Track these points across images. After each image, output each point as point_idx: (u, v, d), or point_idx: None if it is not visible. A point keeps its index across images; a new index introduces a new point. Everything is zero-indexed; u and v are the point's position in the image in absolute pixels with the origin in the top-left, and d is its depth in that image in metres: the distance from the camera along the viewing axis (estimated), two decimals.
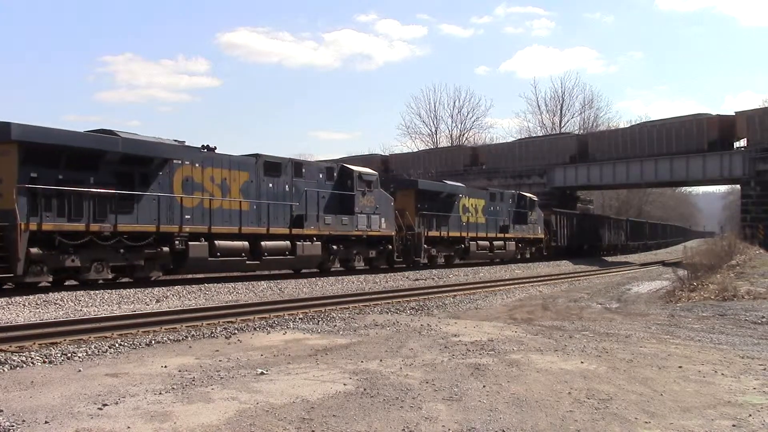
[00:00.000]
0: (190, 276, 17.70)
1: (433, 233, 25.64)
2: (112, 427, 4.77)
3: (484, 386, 6.15)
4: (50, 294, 13.07)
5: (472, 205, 28.83)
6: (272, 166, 18.71)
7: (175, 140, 16.69)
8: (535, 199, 35.03)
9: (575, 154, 47.38)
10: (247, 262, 17.53)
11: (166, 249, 15.55)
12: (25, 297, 12.56)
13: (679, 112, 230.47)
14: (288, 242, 18.72)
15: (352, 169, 21.55)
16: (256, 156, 18.42)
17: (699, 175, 41.41)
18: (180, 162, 16.16)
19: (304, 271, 21.38)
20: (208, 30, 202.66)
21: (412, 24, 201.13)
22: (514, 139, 63.99)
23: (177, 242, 15.73)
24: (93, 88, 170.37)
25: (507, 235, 31.26)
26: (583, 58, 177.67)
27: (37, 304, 12.10)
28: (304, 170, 19.76)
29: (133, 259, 15.07)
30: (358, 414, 5.20)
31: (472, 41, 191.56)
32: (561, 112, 71.45)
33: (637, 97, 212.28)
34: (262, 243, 17.84)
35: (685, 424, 5.07)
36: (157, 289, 14.84)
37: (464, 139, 71.14)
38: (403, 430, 4.83)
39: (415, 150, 67.77)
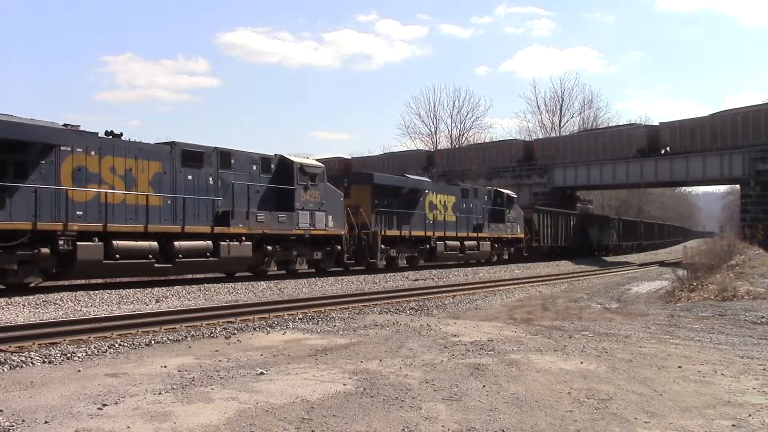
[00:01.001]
0: (189, 276, 17.67)
1: (393, 232, 23.34)
2: (111, 427, 4.77)
3: (483, 386, 6.15)
4: (50, 294, 13.07)
5: (440, 201, 26.45)
6: (192, 156, 16.40)
7: (67, 125, 14.48)
8: (514, 195, 32.71)
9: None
10: (156, 265, 15.30)
11: (45, 250, 13.34)
12: (24, 297, 12.56)
13: (679, 112, 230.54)
14: (209, 242, 16.43)
15: (293, 161, 19.16)
16: (172, 144, 16.27)
17: (699, 175, 41.44)
18: (69, 149, 13.91)
19: (302, 271, 21.22)
20: (208, 30, 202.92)
21: (412, 24, 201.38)
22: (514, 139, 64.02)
23: (61, 242, 13.52)
24: (93, 88, 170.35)
25: (481, 235, 28.95)
26: (584, 58, 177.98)
27: (36, 304, 12.10)
28: (233, 161, 17.47)
29: (2, 263, 12.89)
30: (358, 414, 5.20)
31: (473, 41, 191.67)
32: (560, 112, 71.49)
33: (638, 97, 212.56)
34: (176, 243, 15.62)
35: (685, 424, 5.07)
36: (156, 289, 14.83)
37: (464, 139, 71.15)
38: (403, 430, 4.83)
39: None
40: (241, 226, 17.28)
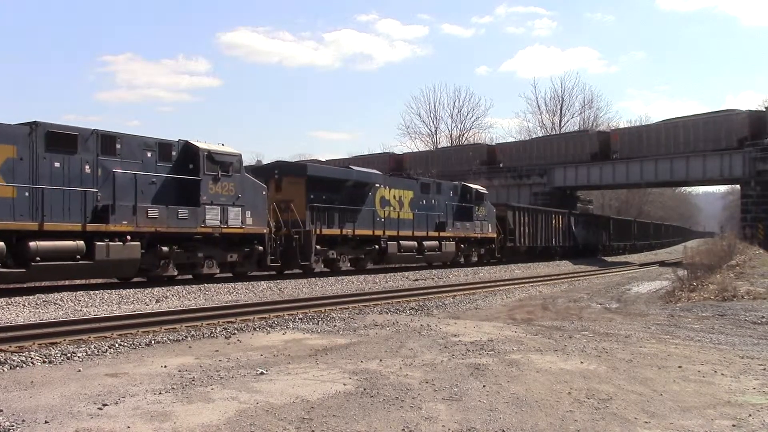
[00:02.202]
0: (189, 276, 17.66)
1: (332, 231, 20.75)
2: (112, 427, 4.77)
3: (483, 386, 6.15)
4: (50, 294, 13.07)
5: (394, 197, 23.73)
6: (60, 139, 13.81)
7: None
8: (484, 191, 30.08)
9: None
10: (1, 269, 12.66)
11: None
12: (24, 297, 12.57)
13: (679, 112, 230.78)
14: (79, 242, 13.72)
15: (199, 146, 16.40)
16: (33, 124, 13.51)
17: (699, 175, 41.44)
18: None
19: (295, 271, 21.01)
20: (208, 30, 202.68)
21: (412, 24, 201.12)
22: (514, 139, 64.16)
23: None
24: (93, 88, 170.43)
25: (444, 234, 26.13)
26: (585, 58, 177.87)
27: (36, 304, 12.11)
28: (119, 146, 14.84)
29: None
30: (358, 414, 5.20)
31: (473, 41, 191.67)
32: (561, 112, 71.60)
33: (638, 97, 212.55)
34: (31, 244, 12.90)
35: (685, 424, 5.07)
36: (156, 289, 14.84)
37: (464, 139, 71.17)
38: (403, 430, 4.84)
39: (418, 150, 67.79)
40: (125, 223, 14.55)
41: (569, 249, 40.17)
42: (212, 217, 16.53)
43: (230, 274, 18.09)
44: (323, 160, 66.13)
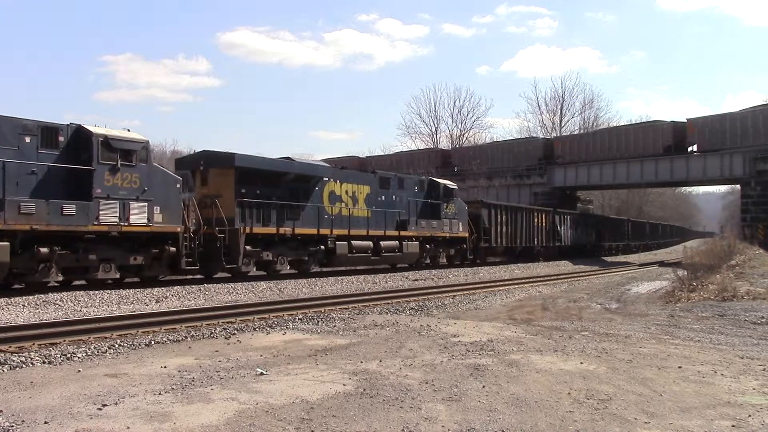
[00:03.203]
0: (190, 276, 17.65)
1: (267, 229, 18.52)
2: (111, 428, 4.77)
3: (483, 386, 6.15)
4: (50, 294, 13.07)
5: (346, 192, 21.59)
6: None
7: None
8: (453, 186, 27.59)
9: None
10: None
11: None
12: (24, 297, 12.57)
13: (679, 112, 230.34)
14: None
15: (92, 131, 14.18)
16: None
17: (699, 175, 41.48)
18: None
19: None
20: (208, 30, 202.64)
21: (413, 24, 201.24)
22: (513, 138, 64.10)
23: None
24: (93, 88, 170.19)
25: (406, 233, 23.73)
26: (585, 58, 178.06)
27: (36, 304, 12.10)
28: None
29: None
30: (358, 414, 5.20)
31: (474, 41, 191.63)
32: (561, 112, 71.57)
33: (639, 96, 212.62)
34: None
35: (685, 424, 5.07)
36: (156, 289, 14.84)
37: (464, 138, 71.22)
38: (403, 430, 4.83)
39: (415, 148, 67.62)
40: None
41: (554, 250, 38.09)
42: (108, 213, 14.19)
43: (137, 279, 15.85)
44: (362, 157, 65.34)
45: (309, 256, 20.26)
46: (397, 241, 23.30)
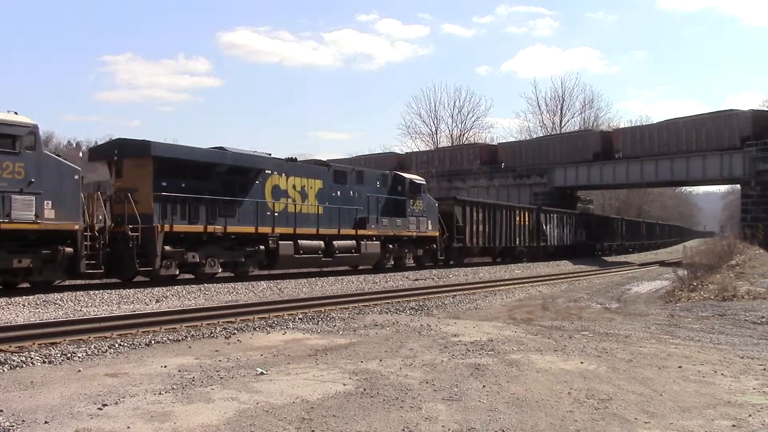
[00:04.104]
0: (189, 276, 17.64)
1: (191, 227, 16.38)
2: (112, 427, 4.77)
3: (483, 386, 6.15)
4: (50, 294, 13.07)
5: (293, 186, 19.55)
6: None
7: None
8: (421, 182, 25.40)
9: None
10: None
11: None
12: (24, 297, 12.57)
13: (679, 111, 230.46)
14: None
15: None
16: None
17: (699, 175, 41.47)
18: None
19: (302, 270, 20.98)
20: (208, 30, 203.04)
21: (413, 24, 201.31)
22: (515, 139, 64.13)
23: None
24: (93, 88, 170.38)
25: (364, 232, 21.64)
26: (586, 58, 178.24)
27: (36, 304, 12.10)
28: None
29: None
30: (358, 414, 5.20)
31: (474, 41, 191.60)
32: (561, 112, 71.56)
33: (639, 97, 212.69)
34: None
35: (685, 424, 5.07)
36: (156, 289, 14.83)
37: (464, 138, 71.17)
38: (403, 430, 4.83)
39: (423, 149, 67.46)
40: None
41: (538, 250, 36.01)
42: None
43: (26, 285, 13.98)
44: (401, 153, 63.70)
45: (247, 258, 18.10)
46: (353, 241, 21.25)
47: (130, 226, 15.01)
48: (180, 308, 11.87)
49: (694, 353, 8.17)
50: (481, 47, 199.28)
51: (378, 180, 23.25)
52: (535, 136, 64.40)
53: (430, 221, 25.14)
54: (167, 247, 15.74)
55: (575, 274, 27.21)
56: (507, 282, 21.46)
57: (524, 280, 22.33)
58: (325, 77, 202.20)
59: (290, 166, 19.91)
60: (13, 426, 4.80)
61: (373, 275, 21.02)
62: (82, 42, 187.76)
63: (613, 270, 31.74)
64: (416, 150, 67.78)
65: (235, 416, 5.07)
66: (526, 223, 34.33)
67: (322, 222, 20.19)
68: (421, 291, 17.02)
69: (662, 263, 38.06)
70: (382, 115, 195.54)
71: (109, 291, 13.90)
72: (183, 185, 16.39)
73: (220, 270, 17.47)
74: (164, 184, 15.99)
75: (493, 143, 60.87)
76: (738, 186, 45.97)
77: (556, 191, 48.29)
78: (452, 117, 75.45)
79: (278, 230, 18.58)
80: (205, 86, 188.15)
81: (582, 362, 7.42)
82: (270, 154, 19.48)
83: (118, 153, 16.26)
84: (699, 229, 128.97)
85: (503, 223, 31.75)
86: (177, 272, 16.41)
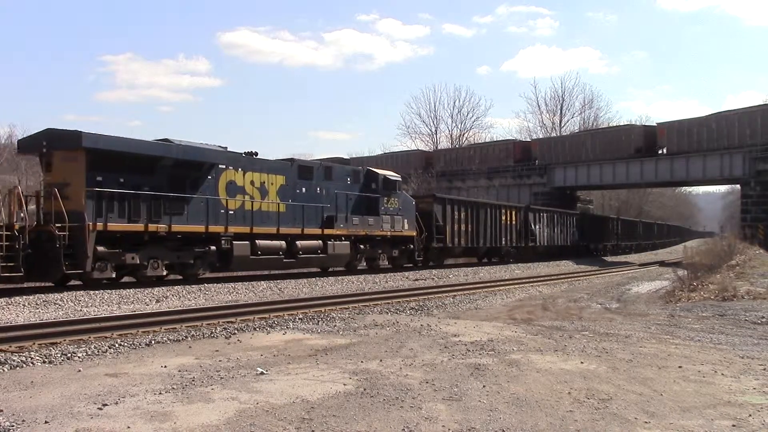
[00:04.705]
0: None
1: (130, 226, 15.00)
2: (112, 427, 4.77)
3: (484, 386, 6.15)
4: (50, 294, 13.08)
5: (251, 182, 18.17)
6: None
7: None
8: (396, 178, 23.86)
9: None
10: None
11: None
12: (25, 297, 12.57)
13: (680, 112, 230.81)
14: None
15: None
16: None
17: (699, 175, 41.51)
18: None
19: (303, 270, 20.99)
20: (208, 29, 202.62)
21: (413, 24, 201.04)
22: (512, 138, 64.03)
23: None
24: (93, 88, 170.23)
25: (332, 231, 20.34)
26: (586, 58, 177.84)
27: (36, 304, 12.11)
28: None
29: None
30: (358, 414, 5.20)
31: (475, 41, 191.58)
32: (561, 112, 71.59)
33: (639, 97, 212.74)
34: None
35: (685, 424, 5.07)
36: (157, 289, 14.84)
37: (464, 138, 71.22)
38: (403, 430, 4.83)
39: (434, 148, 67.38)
40: None
41: (526, 250, 34.59)
42: None
43: None
44: (428, 150, 62.58)
45: (196, 259, 16.70)
46: (319, 241, 19.96)
47: (58, 225, 13.77)
48: (180, 308, 11.87)
49: (694, 353, 8.17)
50: (482, 47, 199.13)
51: (349, 176, 21.84)
52: (535, 137, 64.42)
53: (406, 220, 23.81)
54: (101, 248, 14.43)
55: (575, 274, 27.22)
56: (507, 282, 21.47)
57: (524, 280, 22.34)
58: (325, 77, 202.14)
59: (248, 160, 18.40)
60: (13, 426, 4.80)
61: (373, 275, 21.02)
62: (82, 42, 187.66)
63: (613, 270, 31.76)
64: (442, 147, 67.18)
65: (235, 416, 5.07)
66: (513, 222, 33.06)
67: (284, 221, 18.88)
68: (421, 291, 17.03)
69: (662, 263, 38.08)
70: (382, 115, 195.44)
71: (109, 291, 13.90)
72: (122, 180, 15.04)
73: (164, 273, 16.14)
74: (99, 178, 14.60)
75: (527, 140, 59.06)
76: (738, 186, 46.00)
77: (555, 191, 48.32)
78: (452, 117, 75.52)
79: (233, 229, 17.29)
80: (205, 86, 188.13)
81: (582, 362, 7.42)
82: (226, 148, 18.07)
83: (47, 145, 14.90)
84: (699, 229, 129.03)
85: (488, 222, 30.49)
86: (113, 275, 15.10)
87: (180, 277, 16.78)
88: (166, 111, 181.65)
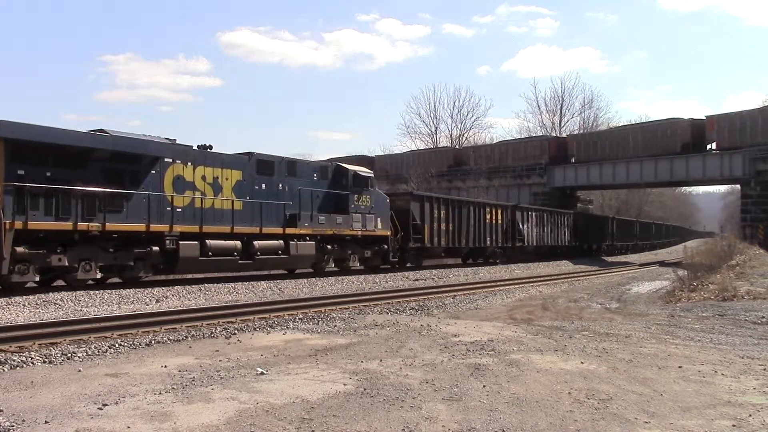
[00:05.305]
0: (189, 276, 17.63)
1: (56, 225, 13.60)
2: (112, 427, 4.77)
3: (484, 386, 6.15)
4: (50, 294, 13.07)
5: (203, 177, 16.77)
6: None
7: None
8: (368, 174, 22.51)
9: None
10: None
11: None
12: (25, 297, 12.57)
13: (680, 112, 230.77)
14: None
15: None
16: None
17: (699, 175, 41.52)
18: None
19: (302, 271, 20.97)
20: (208, 30, 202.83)
21: (413, 23, 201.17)
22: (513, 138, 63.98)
23: None
24: (93, 88, 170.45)
25: (294, 230, 18.93)
26: (587, 58, 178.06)
27: (37, 304, 12.10)
28: None
29: None
30: (358, 414, 5.20)
31: (475, 41, 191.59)
32: (561, 112, 71.63)
33: (640, 97, 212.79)
34: None
35: (685, 424, 5.07)
36: (157, 289, 14.84)
37: (464, 138, 71.20)
38: (403, 430, 4.83)
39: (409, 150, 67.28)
40: None
41: (514, 251, 33.28)
42: None
43: None
44: (459, 148, 61.53)
45: (137, 261, 15.32)
46: (281, 241, 18.55)
47: None
48: (180, 308, 11.87)
49: (694, 353, 8.17)
50: (482, 47, 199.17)
51: (315, 172, 20.37)
52: (534, 135, 64.38)
53: (379, 219, 22.27)
54: (21, 249, 13.07)
55: (575, 274, 27.22)
56: (507, 282, 21.48)
57: (524, 280, 22.35)
58: (325, 77, 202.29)
59: (200, 154, 16.90)
60: (13, 426, 4.80)
61: (373, 275, 21.02)
62: (82, 42, 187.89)
63: (613, 270, 31.76)
64: (474, 144, 66.05)
65: (235, 416, 5.07)
66: (499, 221, 31.62)
67: (241, 219, 17.46)
68: (421, 291, 17.03)
69: (662, 263, 38.08)
70: (382, 115, 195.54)
71: (109, 291, 13.90)
72: (48, 174, 13.68)
73: (99, 275, 14.75)
74: (21, 172, 13.23)
75: (563, 136, 56.82)
76: (738, 186, 46.00)
77: (555, 191, 48.33)
78: (452, 117, 75.71)
79: (179, 228, 15.85)
80: (205, 86, 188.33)
81: (582, 362, 7.42)
82: (175, 140, 16.74)
83: None
84: (699, 229, 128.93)
85: (471, 221, 28.97)
86: (36, 278, 13.74)
87: (120, 280, 15.60)
88: (166, 111, 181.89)
